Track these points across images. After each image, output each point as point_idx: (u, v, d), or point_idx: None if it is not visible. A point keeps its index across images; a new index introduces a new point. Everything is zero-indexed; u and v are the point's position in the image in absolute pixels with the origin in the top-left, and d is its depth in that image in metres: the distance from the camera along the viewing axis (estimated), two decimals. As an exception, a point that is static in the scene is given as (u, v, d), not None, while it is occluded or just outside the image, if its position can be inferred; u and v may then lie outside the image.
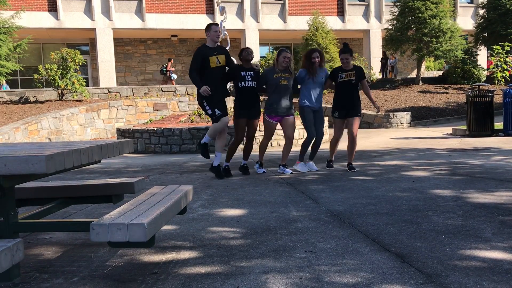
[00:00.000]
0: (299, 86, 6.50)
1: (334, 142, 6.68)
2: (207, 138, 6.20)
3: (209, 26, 6.19)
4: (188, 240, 3.28)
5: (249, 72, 6.27)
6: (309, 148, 6.59)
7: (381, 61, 24.43)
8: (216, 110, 6.06)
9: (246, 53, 6.32)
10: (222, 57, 6.18)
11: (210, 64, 6.04)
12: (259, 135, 10.26)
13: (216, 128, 6.11)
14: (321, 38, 19.16)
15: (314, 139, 6.49)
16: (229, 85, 10.17)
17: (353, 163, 6.45)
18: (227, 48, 12.18)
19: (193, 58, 6.07)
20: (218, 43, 6.37)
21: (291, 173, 6.30)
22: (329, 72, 6.59)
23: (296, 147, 7.64)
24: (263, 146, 6.53)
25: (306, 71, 6.37)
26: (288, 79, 6.31)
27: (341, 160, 7.70)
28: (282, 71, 6.28)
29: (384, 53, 24.44)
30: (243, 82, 6.23)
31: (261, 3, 23.48)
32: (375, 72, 23.01)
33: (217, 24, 6.28)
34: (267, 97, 6.49)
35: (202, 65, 6.03)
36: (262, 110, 6.58)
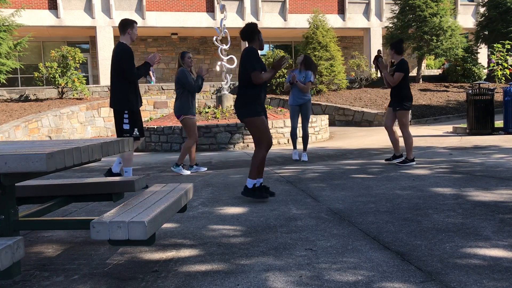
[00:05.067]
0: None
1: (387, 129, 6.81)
2: (129, 170, 5.51)
3: (131, 23, 5.43)
4: (189, 238, 3.28)
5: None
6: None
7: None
8: (135, 129, 5.45)
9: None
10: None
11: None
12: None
13: (130, 155, 5.48)
14: (322, 36, 19.12)
15: (296, 130, 7.56)
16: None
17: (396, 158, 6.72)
18: (227, 46, 12.16)
19: (127, 59, 5.40)
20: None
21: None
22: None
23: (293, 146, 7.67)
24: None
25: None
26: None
27: (342, 158, 7.71)
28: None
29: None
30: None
31: (262, 1, 23.44)
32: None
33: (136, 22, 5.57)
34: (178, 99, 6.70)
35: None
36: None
